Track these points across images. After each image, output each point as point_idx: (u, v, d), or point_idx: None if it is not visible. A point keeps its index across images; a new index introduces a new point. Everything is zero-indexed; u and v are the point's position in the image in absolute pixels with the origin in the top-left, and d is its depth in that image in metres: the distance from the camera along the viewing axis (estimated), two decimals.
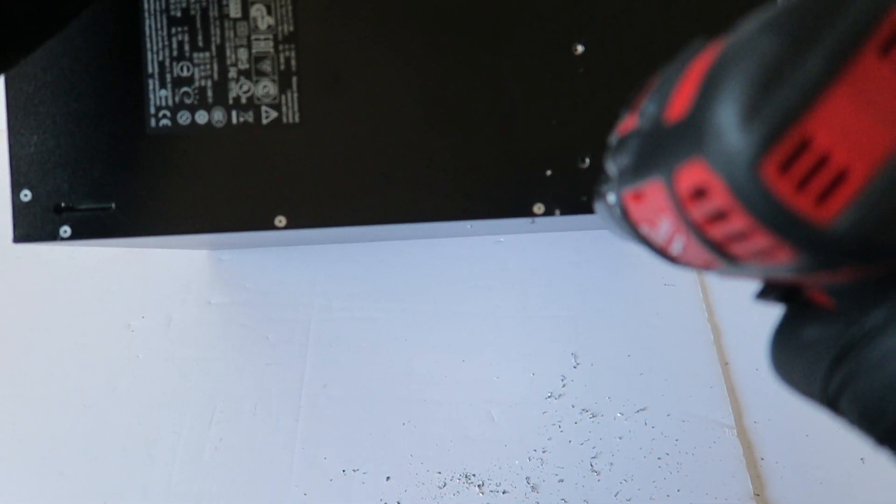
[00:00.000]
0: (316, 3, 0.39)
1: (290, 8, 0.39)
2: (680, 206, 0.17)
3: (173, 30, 0.39)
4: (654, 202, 0.18)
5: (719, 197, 0.14)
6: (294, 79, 0.39)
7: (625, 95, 0.39)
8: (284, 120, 0.39)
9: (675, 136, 0.16)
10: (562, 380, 0.53)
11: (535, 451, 0.50)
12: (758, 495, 0.47)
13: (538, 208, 0.40)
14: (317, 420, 0.51)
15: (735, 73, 0.14)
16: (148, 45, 0.39)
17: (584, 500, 0.48)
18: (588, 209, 0.40)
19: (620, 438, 0.50)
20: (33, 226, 0.38)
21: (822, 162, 0.13)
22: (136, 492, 0.48)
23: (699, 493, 0.48)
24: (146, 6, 0.38)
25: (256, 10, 0.39)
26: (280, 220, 0.39)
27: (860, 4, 0.13)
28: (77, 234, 0.38)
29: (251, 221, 0.39)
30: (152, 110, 0.39)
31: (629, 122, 0.22)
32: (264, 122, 0.39)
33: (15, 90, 0.38)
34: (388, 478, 0.49)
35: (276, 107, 0.39)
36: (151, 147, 0.39)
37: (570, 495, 0.48)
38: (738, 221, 0.14)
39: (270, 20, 0.39)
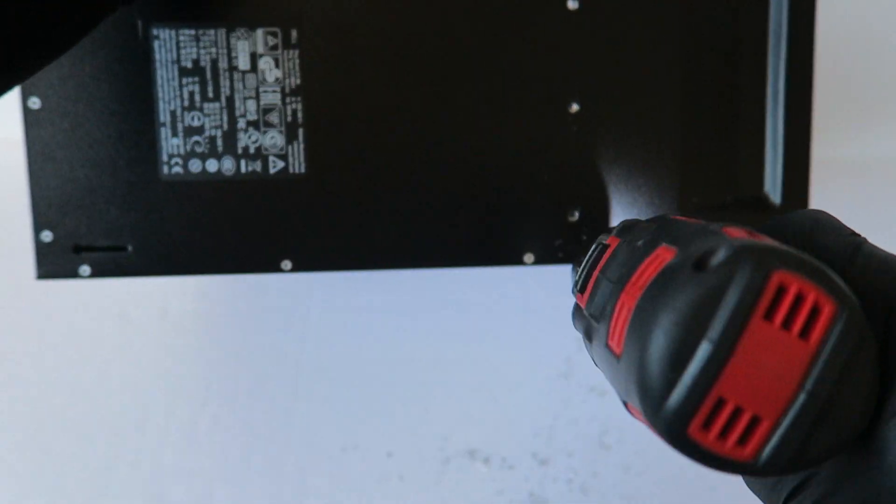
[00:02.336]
0: (322, 59, 0.40)
1: (297, 62, 0.40)
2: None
3: (184, 80, 0.40)
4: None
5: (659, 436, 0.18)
6: (300, 130, 0.41)
7: (614, 153, 0.41)
8: (291, 170, 0.41)
9: (615, 366, 0.20)
10: (567, 362, 0.54)
11: (541, 427, 0.50)
12: None
13: (528, 258, 0.43)
14: (315, 401, 0.51)
15: (651, 353, 0.17)
16: (160, 95, 0.40)
17: (595, 473, 0.47)
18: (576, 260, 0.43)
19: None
20: (54, 264, 0.41)
21: (736, 414, 0.16)
22: (125, 469, 0.48)
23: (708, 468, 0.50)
24: (157, 56, 0.40)
25: (265, 63, 0.40)
26: (286, 264, 0.42)
27: (743, 281, 0.16)
28: (96, 273, 0.41)
29: (258, 265, 0.41)
30: (165, 158, 0.40)
31: (581, 300, 0.26)
32: (272, 171, 0.41)
33: (33, 136, 0.40)
34: (389, 454, 0.48)
35: (283, 157, 0.41)
36: (165, 192, 0.41)
37: (580, 468, 0.48)
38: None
39: (278, 73, 0.40)
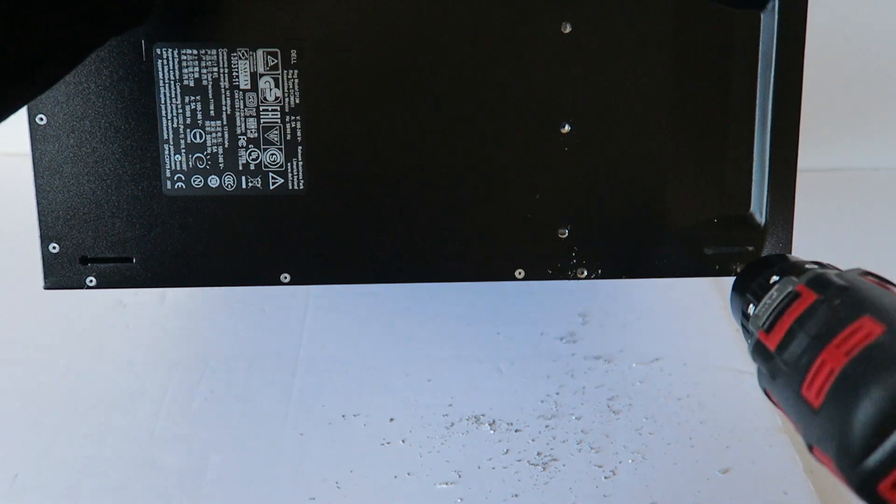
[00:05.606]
0: (320, 79, 0.41)
1: (296, 81, 0.41)
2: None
3: (186, 98, 0.41)
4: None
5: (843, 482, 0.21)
6: (299, 148, 0.42)
7: (604, 173, 0.42)
8: (290, 186, 0.42)
9: (809, 415, 0.23)
10: (571, 336, 0.55)
11: (547, 395, 0.50)
12: (784, 430, 0.47)
13: (519, 273, 0.44)
14: (315, 374, 0.51)
15: (858, 418, 0.20)
16: (163, 113, 0.41)
17: (606, 435, 0.47)
18: (565, 276, 0.44)
19: (640, 383, 0.51)
20: (61, 275, 0.42)
21: None
22: (116, 437, 0.47)
23: (723, 428, 0.48)
24: (160, 75, 0.41)
25: (265, 83, 0.41)
26: (285, 277, 0.43)
27: None
28: (101, 284, 0.43)
29: (258, 278, 0.43)
30: (168, 174, 0.42)
31: (768, 340, 0.29)
32: (271, 187, 0.42)
33: (40, 151, 0.41)
34: (391, 419, 0.48)
35: (283, 174, 0.42)
36: (168, 207, 0.42)
37: (590, 430, 0.47)
38: None
39: (278, 92, 0.41)
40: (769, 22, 0.43)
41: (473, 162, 0.43)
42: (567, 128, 0.43)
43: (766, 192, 0.44)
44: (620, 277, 0.45)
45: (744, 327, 0.36)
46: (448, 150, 0.43)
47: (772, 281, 0.34)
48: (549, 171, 0.43)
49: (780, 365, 0.27)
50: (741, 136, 0.44)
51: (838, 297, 0.26)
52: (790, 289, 0.31)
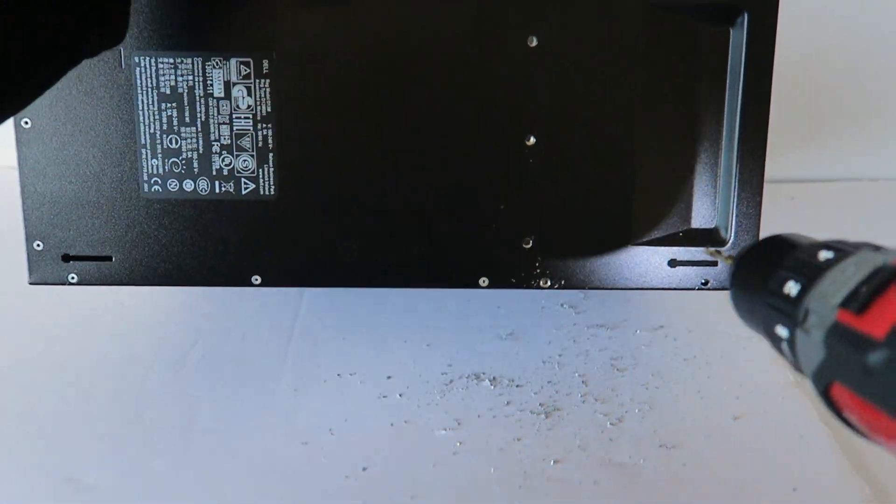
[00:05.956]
0: (291, 88, 0.43)
1: (268, 90, 0.43)
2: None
3: (163, 105, 0.43)
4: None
5: None
6: (270, 155, 0.43)
7: (569, 184, 0.42)
8: (261, 192, 0.44)
9: (878, 357, 0.22)
10: (573, 307, 0.55)
11: (549, 356, 0.50)
12: (798, 384, 0.47)
13: (483, 281, 0.45)
14: (311, 340, 0.51)
15: None
16: (141, 118, 0.43)
17: (612, 389, 0.46)
18: (528, 286, 0.45)
19: (645, 346, 0.50)
20: (45, 271, 0.44)
21: None
22: (104, 394, 0.47)
23: (733, 383, 0.47)
24: (139, 82, 0.42)
25: (237, 91, 0.43)
26: (256, 279, 0.45)
27: None
28: (83, 281, 0.45)
29: (230, 279, 0.45)
30: (145, 177, 0.43)
31: (867, 325, 0.24)
32: (244, 192, 0.44)
33: (25, 154, 0.43)
34: (388, 377, 0.48)
35: (255, 179, 0.44)
36: (145, 209, 0.44)
37: (594, 385, 0.47)
38: None
39: (250, 101, 0.43)
40: (738, 38, 0.43)
41: (440, 171, 0.44)
42: (532, 140, 0.43)
43: (732, 208, 0.44)
44: (583, 288, 0.45)
45: (775, 308, 0.29)
46: (415, 160, 0.44)
47: (822, 257, 0.28)
48: (515, 182, 0.44)
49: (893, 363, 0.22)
50: (708, 151, 0.44)
51: None
52: (880, 263, 0.25)
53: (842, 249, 0.28)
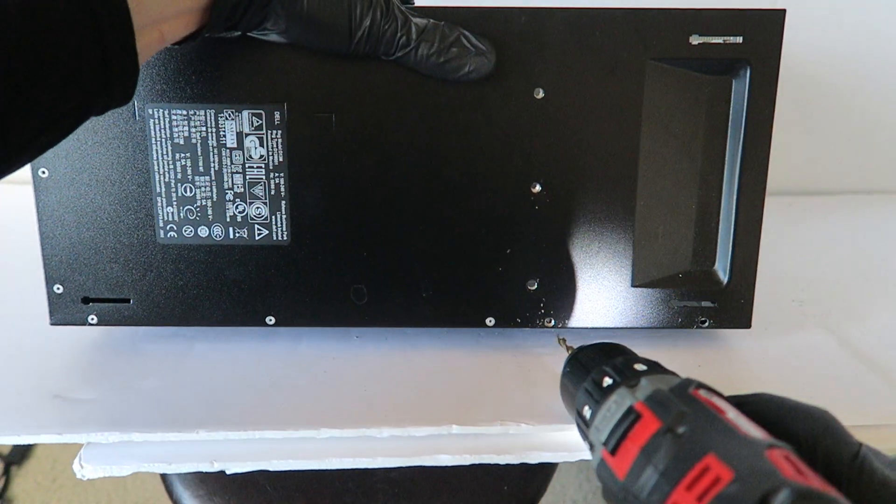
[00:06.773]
0: (303, 138, 0.44)
1: (279, 140, 0.44)
2: None
3: (177, 155, 0.44)
4: None
5: None
6: (283, 203, 0.45)
7: (573, 230, 0.44)
8: (275, 238, 0.45)
9: (620, 494, 0.29)
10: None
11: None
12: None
13: (490, 321, 0.47)
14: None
15: None
16: (155, 168, 0.44)
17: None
18: (533, 325, 0.47)
19: None
20: (65, 313, 0.46)
21: None
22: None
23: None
24: (152, 133, 0.43)
25: (250, 142, 0.44)
26: (270, 319, 0.46)
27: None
28: (102, 322, 0.46)
29: (245, 319, 0.46)
30: (161, 224, 0.45)
31: (615, 466, 0.30)
32: (257, 238, 0.45)
33: (43, 202, 0.44)
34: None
35: (268, 226, 0.45)
36: (161, 254, 0.45)
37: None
38: None
39: (262, 151, 0.44)
40: (740, 89, 0.44)
41: (449, 217, 0.45)
42: (538, 187, 0.45)
43: (730, 251, 0.46)
44: (585, 328, 0.47)
45: (579, 426, 0.35)
46: (425, 206, 0.45)
47: (605, 384, 0.33)
48: (521, 228, 0.45)
49: (629, 498, 0.28)
50: (709, 197, 0.45)
51: (680, 424, 0.28)
52: (629, 404, 0.31)
53: (620, 374, 0.33)
